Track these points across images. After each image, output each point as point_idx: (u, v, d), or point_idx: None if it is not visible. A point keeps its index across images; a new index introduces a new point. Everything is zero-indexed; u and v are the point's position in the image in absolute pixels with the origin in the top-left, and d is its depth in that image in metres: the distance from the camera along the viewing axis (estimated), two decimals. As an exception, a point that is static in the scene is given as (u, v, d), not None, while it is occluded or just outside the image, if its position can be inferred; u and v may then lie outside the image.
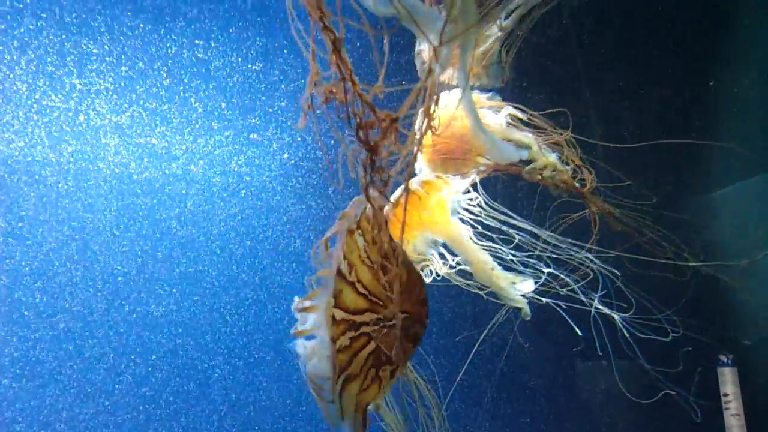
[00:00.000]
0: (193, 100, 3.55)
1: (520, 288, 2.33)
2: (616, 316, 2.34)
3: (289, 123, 3.61)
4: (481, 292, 2.44)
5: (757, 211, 3.22)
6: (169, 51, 3.47)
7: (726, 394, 2.19)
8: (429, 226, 2.35)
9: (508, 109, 2.33)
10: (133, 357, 3.58)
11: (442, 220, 2.34)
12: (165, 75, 3.49)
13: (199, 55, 3.50)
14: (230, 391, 3.62)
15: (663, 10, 3.34)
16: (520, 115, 2.35)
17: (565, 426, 3.61)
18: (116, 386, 3.53)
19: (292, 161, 3.61)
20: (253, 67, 3.55)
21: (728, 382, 2.20)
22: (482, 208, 2.42)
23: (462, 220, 2.40)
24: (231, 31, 3.54)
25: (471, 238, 2.40)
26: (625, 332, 2.33)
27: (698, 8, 3.40)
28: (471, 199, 2.42)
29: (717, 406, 2.23)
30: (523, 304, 2.35)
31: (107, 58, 3.43)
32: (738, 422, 2.18)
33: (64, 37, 3.35)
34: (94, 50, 3.40)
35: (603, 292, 2.38)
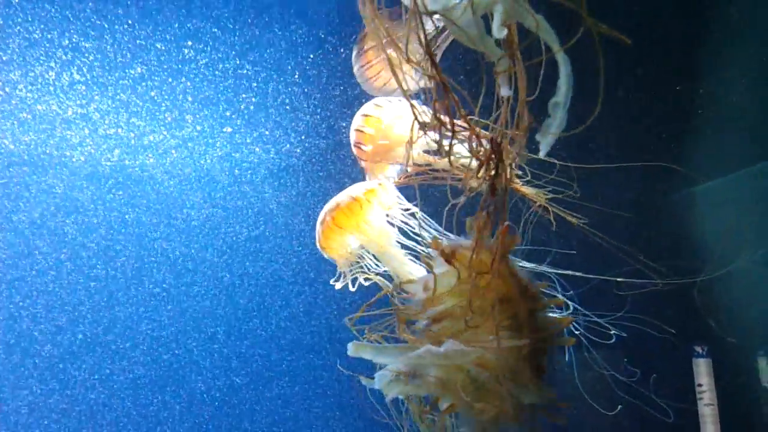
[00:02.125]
0: (164, 93, 3.49)
1: None
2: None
3: (262, 118, 3.58)
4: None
5: (739, 207, 3.26)
6: (141, 43, 3.41)
7: (700, 385, 2.23)
8: (363, 234, 2.36)
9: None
10: (98, 343, 3.54)
11: (376, 230, 2.36)
12: (136, 67, 3.42)
13: (171, 48, 3.44)
14: (206, 375, 3.60)
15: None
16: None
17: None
18: (76, 374, 3.50)
19: (267, 154, 3.58)
20: (227, 63, 3.50)
21: (703, 373, 2.24)
22: (419, 220, 2.43)
23: (397, 233, 2.42)
24: (204, 25, 3.49)
25: (402, 251, 2.41)
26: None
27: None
28: (407, 210, 2.43)
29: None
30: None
31: (76, 51, 3.35)
32: (711, 411, 2.22)
33: (31, 28, 3.27)
34: (64, 42, 3.32)
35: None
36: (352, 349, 1.78)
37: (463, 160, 2.38)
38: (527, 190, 2.32)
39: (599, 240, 2.60)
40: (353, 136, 2.45)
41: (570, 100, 1.58)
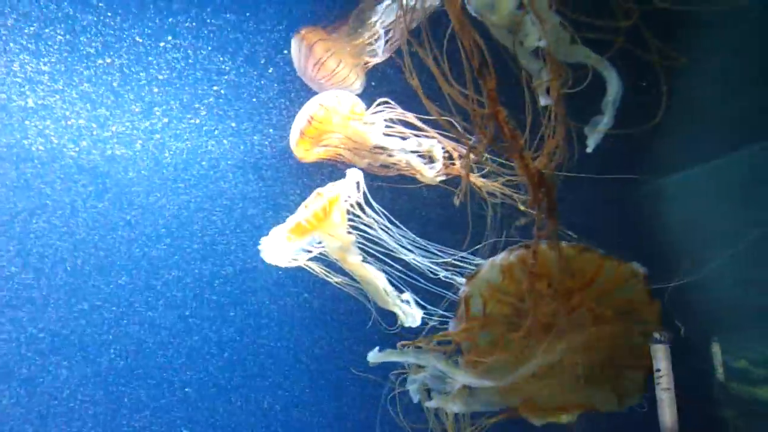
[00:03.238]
0: (132, 84, 3.46)
1: (406, 318, 2.40)
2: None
3: (231, 112, 3.56)
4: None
5: (704, 200, 3.33)
6: (111, 34, 3.37)
7: (658, 370, 2.30)
8: (325, 235, 2.40)
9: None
10: (62, 347, 3.48)
11: (337, 233, 2.40)
12: (105, 58, 3.38)
13: (143, 41, 3.40)
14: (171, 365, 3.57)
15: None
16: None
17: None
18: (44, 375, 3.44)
19: (236, 147, 3.57)
20: (199, 55, 3.48)
21: (661, 358, 2.30)
22: (378, 222, 2.47)
23: (357, 236, 2.46)
24: (170, 14, 3.46)
25: (361, 255, 2.46)
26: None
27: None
28: (364, 213, 2.47)
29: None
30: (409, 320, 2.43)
31: (41, 41, 3.30)
32: (668, 395, 2.29)
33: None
34: (26, 31, 3.26)
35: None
36: (393, 356, 1.85)
37: (414, 161, 2.42)
38: (480, 182, 2.37)
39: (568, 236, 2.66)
40: (303, 122, 2.46)
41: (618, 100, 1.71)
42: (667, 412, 2.28)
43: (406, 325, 2.50)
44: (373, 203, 2.49)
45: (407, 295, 2.51)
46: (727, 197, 3.18)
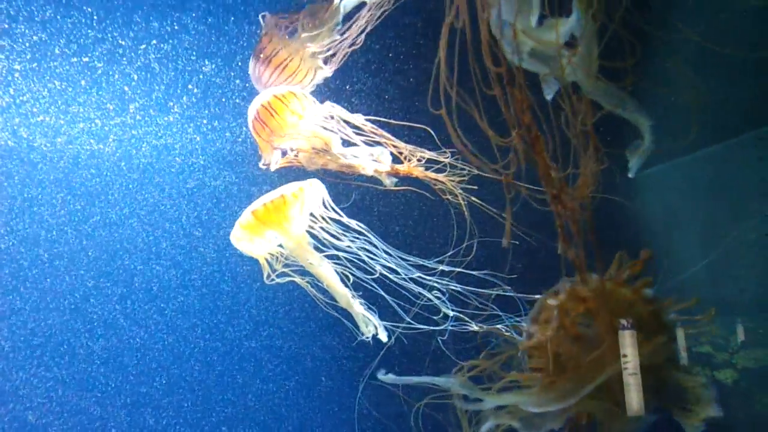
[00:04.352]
0: (107, 82, 3.47)
1: (371, 329, 2.42)
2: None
3: (205, 110, 3.58)
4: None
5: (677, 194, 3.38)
6: (88, 34, 3.37)
7: (625, 355, 2.32)
8: (282, 233, 2.41)
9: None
10: (31, 343, 3.43)
11: (294, 232, 2.42)
12: (82, 57, 3.39)
13: (116, 38, 3.42)
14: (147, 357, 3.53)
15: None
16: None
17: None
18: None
19: (208, 145, 3.58)
20: (174, 54, 3.50)
21: (628, 344, 2.33)
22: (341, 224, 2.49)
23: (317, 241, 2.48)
24: (150, 16, 3.48)
25: (319, 256, 2.47)
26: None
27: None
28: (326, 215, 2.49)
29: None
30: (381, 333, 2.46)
31: (9, 37, 3.29)
32: (635, 380, 2.30)
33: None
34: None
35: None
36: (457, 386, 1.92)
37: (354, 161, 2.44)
38: (432, 175, 2.40)
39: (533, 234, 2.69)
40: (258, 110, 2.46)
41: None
42: (634, 396, 2.30)
43: (367, 334, 2.51)
44: (334, 206, 2.50)
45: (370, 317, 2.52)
46: (696, 191, 3.26)
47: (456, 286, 2.50)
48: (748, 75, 3.10)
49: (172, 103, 3.53)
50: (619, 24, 1.86)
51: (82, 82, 3.40)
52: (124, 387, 3.49)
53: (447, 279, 2.49)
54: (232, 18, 3.35)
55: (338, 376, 3.69)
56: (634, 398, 2.31)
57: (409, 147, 2.32)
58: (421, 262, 2.52)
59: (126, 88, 3.46)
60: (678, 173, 3.36)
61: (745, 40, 3.10)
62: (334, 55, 2.48)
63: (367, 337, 2.52)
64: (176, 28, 3.43)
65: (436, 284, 2.49)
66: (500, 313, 2.55)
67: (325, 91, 2.63)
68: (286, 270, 2.51)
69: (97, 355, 3.46)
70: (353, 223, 2.47)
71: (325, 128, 2.40)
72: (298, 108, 2.38)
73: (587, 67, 1.83)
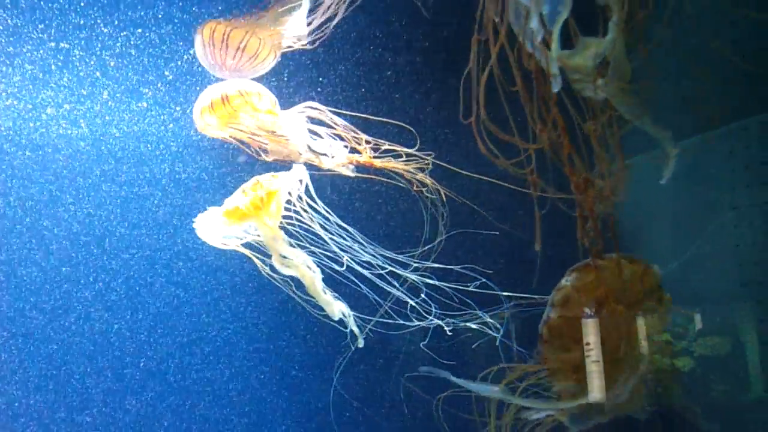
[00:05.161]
0: (81, 67, 3.42)
1: (334, 311, 2.46)
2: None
3: (180, 98, 3.56)
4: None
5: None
6: (57, 19, 3.32)
7: (588, 343, 2.40)
8: (260, 224, 2.43)
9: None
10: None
11: (271, 224, 2.43)
12: (57, 42, 3.34)
13: (89, 21, 3.37)
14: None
15: None
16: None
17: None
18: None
19: (180, 132, 3.56)
20: (149, 40, 3.47)
21: (590, 332, 2.41)
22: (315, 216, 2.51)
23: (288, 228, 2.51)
24: (121, 3, 3.44)
25: (292, 245, 2.50)
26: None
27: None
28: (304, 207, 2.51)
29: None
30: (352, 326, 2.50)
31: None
32: (597, 368, 2.39)
33: None
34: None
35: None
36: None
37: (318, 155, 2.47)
38: (387, 164, 2.44)
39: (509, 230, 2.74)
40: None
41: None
42: (596, 383, 2.39)
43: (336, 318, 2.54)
44: (317, 199, 2.51)
45: (343, 306, 2.55)
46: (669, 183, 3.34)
47: (433, 281, 2.53)
48: (723, 69, 3.18)
49: (145, 89, 3.51)
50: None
51: (53, 67, 3.36)
52: (99, 377, 3.49)
53: (424, 273, 2.52)
54: (220, 7, 3.33)
55: (310, 366, 3.72)
56: (596, 385, 2.40)
57: (370, 138, 2.35)
58: (396, 257, 2.55)
59: (98, 74, 3.42)
60: (651, 166, 3.43)
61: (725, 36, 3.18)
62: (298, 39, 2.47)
63: (353, 343, 2.55)
64: (160, 17, 3.40)
65: (411, 278, 2.53)
66: (478, 311, 2.60)
67: (289, 83, 2.64)
68: (260, 262, 2.52)
69: (62, 344, 3.44)
70: (332, 216, 2.50)
71: (288, 123, 2.41)
72: (258, 103, 2.38)
73: (617, 83, 1.96)
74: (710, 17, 3.10)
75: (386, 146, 2.38)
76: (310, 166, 2.52)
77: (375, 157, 2.39)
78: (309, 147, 2.37)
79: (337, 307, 2.54)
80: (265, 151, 2.48)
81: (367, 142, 2.46)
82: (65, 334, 3.47)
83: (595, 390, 2.37)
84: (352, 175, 2.39)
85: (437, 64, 3.76)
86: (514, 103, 2.03)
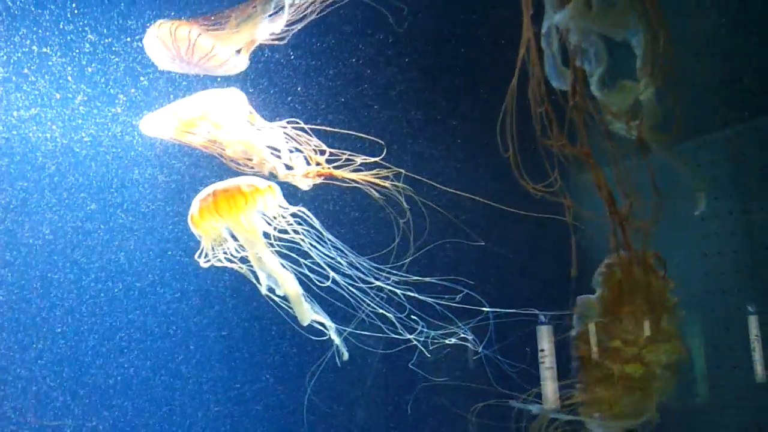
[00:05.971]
0: (54, 72, 3.44)
1: (312, 317, 2.50)
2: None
3: (154, 103, 3.58)
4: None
5: None
6: (29, 24, 3.34)
7: (542, 350, 2.48)
8: (238, 225, 2.46)
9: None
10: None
11: (252, 229, 2.47)
12: (32, 47, 3.36)
13: (91, 36, 3.40)
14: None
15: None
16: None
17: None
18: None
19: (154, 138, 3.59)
20: (123, 45, 3.49)
21: (545, 338, 2.49)
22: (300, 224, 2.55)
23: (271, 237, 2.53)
24: (97, 8, 3.46)
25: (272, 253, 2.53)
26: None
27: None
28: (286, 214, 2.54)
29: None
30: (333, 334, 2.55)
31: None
32: (551, 374, 2.47)
33: None
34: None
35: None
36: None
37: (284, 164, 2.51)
38: (345, 174, 2.49)
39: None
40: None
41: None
42: (550, 388, 2.47)
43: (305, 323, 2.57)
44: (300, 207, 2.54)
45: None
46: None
47: (409, 293, 2.56)
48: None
49: (122, 95, 3.53)
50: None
51: (25, 70, 3.38)
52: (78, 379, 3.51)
53: (404, 284, 2.55)
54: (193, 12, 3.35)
55: (283, 372, 3.76)
56: (550, 391, 2.48)
57: (333, 149, 2.40)
58: (376, 266, 2.58)
59: (69, 78, 3.44)
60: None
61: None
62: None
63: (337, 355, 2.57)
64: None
65: (390, 288, 2.55)
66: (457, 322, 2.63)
67: (249, 92, 2.68)
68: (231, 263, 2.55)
69: (37, 343, 3.46)
70: (316, 223, 2.53)
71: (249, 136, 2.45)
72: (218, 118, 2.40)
73: (650, 124, 2.17)
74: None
75: (347, 156, 2.43)
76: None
77: (336, 167, 2.44)
78: (270, 159, 2.42)
79: (308, 313, 2.57)
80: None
81: (332, 153, 2.50)
82: (36, 335, 3.49)
83: (549, 395, 2.45)
84: (307, 188, 2.44)
85: (421, 76, 3.83)
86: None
